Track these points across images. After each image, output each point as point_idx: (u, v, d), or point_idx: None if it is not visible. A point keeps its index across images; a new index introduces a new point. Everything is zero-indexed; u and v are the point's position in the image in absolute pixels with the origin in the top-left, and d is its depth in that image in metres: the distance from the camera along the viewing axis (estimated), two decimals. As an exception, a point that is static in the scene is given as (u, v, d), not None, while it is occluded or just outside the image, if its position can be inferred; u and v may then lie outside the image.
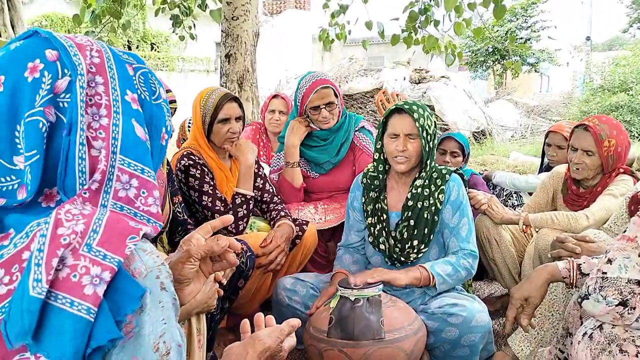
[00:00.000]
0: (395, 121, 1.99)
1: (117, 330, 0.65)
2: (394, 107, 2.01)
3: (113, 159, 0.76)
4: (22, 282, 0.63)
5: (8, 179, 0.72)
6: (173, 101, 1.91)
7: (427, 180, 2.02)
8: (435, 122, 2.02)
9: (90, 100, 0.76)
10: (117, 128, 0.78)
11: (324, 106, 2.58)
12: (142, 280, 0.70)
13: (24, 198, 0.71)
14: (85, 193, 0.74)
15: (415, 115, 1.94)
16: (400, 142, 1.95)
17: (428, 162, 2.00)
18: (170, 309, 0.73)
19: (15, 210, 0.72)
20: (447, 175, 2.01)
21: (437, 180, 2.01)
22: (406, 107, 1.96)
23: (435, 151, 2.03)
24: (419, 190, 2.01)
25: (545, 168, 3.18)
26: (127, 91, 0.81)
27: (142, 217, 0.79)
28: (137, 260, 0.71)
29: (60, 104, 0.74)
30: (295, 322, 1.16)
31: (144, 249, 0.73)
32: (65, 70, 0.75)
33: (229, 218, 1.12)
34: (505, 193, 3.31)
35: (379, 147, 2.08)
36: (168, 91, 1.89)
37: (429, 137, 1.96)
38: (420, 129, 1.93)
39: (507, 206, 3.10)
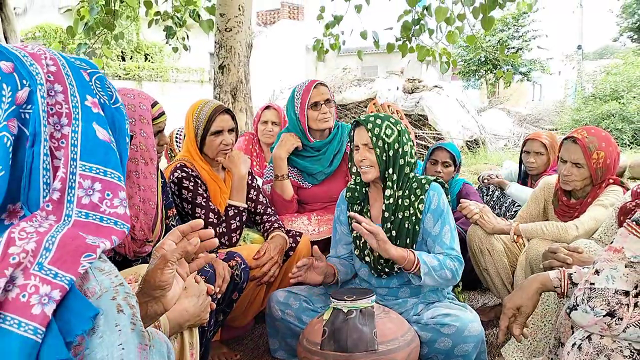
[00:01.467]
0: (354, 134, 2.06)
1: (66, 351, 0.62)
2: (354, 121, 2.08)
3: (73, 166, 0.75)
4: None
5: None
6: (162, 114, 1.91)
7: (405, 191, 2.04)
8: (399, 130, 2.04)
9: (52, 109, 0.75)
10: (76, 135, 0.76)
11: (323, 102, 2.62)
12: (95, 300, 0.67)
13: None
14: (48, 205, 0.72)
15: (369, 126, 2.00)
16: (360, 152, 2.02)
17: (391, 170, 2.03)
18: (128, 334, 0.69)
19: None
20: (426, 185, 2.03)
21: (417, 190, 2.03)
22: (362, 119, 2.04)
23: (405, 160, 2.05)
24: (392, 200, 2.03)
25: (523, 176, 3.21)
26: (87, 96, 0.80)
27: (108, 221, 0.76)
28: (92, 280, 0.69)
29: (22, 115, 0.72)
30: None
31: (100, 269, 0.71)
32: (24, 81, 0.73)
33: (198, 222, 1.09)
34: (505, 204, 3.26)
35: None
36: (155, 104, 1.89)
37: (386, 145, 2.00)
38: (374, 138, 1.99)
39: (506, 216, 3.12)
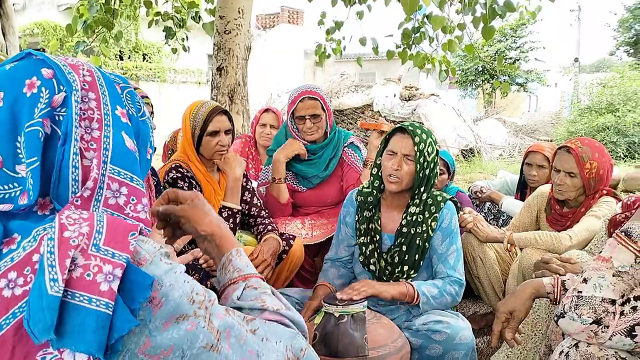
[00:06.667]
0: (396, 140, 1.99)
1: (134, 319, 0.70)
2: (399, 125, 2.01)
3: (104, 168, 0.82)
4: (38, 282, 0.67)
5: (11, 186, 0.77)
6: (144, 97, 1.94)
7: (421, 206, 2.01)
8: (437, 150, 1.99)
9: (84, 114, 0.82)
10: (108, 139, 0.83)
11: (308, 117, 2.61)
12: (149, 266, 0.77)
13: (26, 203, 0.76)
14: (77, 201, 0.78)
15: (417, 139, 1.93)
16: (396, 160, 1.95)
17: (422, 189, 1.99)
18: (186, 275, 0.81)
19: (18, 217, 0.77)
20: (442, 203, 2.01)
21: (432, 207, 2.00)
22: (410, 128, 1.96)
23: (433, 181, 2.00)
24: (414, 217, 2.01)
25: (522, 186, 3.18)
26: (117, 106, 0.87)
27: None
28: (140, 251, 0.78)
29: (56, 117, 0.79)
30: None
31: (142, 240, 0.80)
32: (61, 87, 0.80)
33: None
34: (501, 217, 3.22)
35: (378, 162, 2.07)
36: (136, 89, 1.91)
37: (425, 163, 1.95)
38: (418, 153, 1.93)
39: (499, 224, 3.12)
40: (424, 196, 2.01)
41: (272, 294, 1.01)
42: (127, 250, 0.73)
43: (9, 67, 0.82)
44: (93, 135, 0.82)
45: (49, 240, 0.69)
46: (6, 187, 0.77)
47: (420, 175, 1.96)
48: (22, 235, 0.74)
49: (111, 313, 0.68)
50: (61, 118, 0.80)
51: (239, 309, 0.95)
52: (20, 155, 0.77)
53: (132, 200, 0.84)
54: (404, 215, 2.03)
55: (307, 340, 0.98)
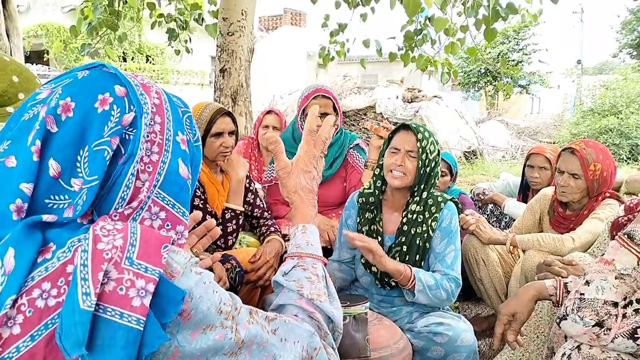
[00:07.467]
0: (399, 137, 2.02)
1: (164, 334, 0.69)
2: (402, 123, 2.04)
3: (151, 192, 0.82)
4: (71, 295, 0.66)
5: (62, 198, 0.77)
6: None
7: (422, 206, 2.02)
8: (439, 150, 2.03)
9: (147, 136, 0.83)
10: (164, 165, 0.84)
11: (319, 115, 2.62)
12: (180, 278, 0.76)
13: (70, 217, 0.75)
14: (115, 216, 0.78)
15: (419, 136, 1.97)
16: (400, 157, 1.98)
17: (422, 187, 2.00)
18: (215, 284, 0.81)
19: (55, 225, 0.75)
20: (442, 204, 2.02)
21: (432, 208, 2.01)
22: (413, 125, 2.00)
23: (433, 180, 2.02)
24: (415, 216, 2.02)
25: (524, 189, 3.19)
26: (179, 132, 0.88)
27: None
28: (172, 263, 0.77)
29: (124, 136, 0.80)
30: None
31: (173, 250, 0.79)
32: (132, 107, 0.81)
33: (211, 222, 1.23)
34: (504, 219, 3.22)
35: (381, 162, 2.10)
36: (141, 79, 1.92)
37: (427, 160, 1.97)
38: (420, 149, 1.96)
39: (501, 227, 3.12)
40: (424, 195, 2.03)
41: (317, 280, 1.02)
42: (160, 264, 0.72)
43: (80, 76, 0.82)
44: (152, 158, 0.82)
45: (82, 252, 0.69)
46: (56, 197, 0.76)
47: (422, 172, 1.98)
48: (57, 245, 0.73)
49: (142, 329, 0.67)
50: (127, 137, 0.80)
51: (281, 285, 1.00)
52: (79, 170, 0.77)
53: (167, 225, 0.85)
54: (404, 213, 2.04)
55: (339, 334, 1.01)
